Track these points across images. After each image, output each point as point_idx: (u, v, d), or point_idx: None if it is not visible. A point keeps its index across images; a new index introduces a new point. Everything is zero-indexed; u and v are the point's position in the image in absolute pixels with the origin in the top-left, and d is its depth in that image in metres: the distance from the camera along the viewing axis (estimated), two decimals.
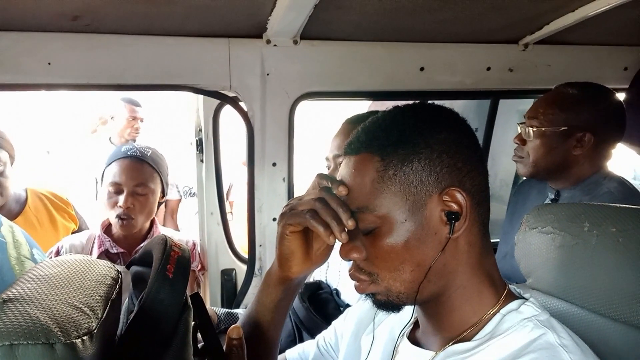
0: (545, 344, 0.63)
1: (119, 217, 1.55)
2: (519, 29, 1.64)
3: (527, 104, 2.41)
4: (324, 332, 0.98)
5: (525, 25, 1.60)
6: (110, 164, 1.59)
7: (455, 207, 0.66)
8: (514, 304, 0.70)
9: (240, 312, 1.61)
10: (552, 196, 1.51)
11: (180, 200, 2.98)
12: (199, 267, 1.83)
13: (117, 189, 1.55)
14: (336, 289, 1.42)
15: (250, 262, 1.75)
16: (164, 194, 1.67)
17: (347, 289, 1.39)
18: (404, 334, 0.79)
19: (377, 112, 0.77)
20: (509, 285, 0.74)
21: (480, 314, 0.70)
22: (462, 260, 0.69)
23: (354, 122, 1.35)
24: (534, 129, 1.42)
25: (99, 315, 0.49)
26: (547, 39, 1.68)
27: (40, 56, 1.35)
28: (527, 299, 0.71)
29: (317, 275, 1.52)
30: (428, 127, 0.68)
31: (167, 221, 3.01)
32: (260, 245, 1.73)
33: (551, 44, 1.74)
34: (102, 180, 1.61)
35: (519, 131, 1.48)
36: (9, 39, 1.32)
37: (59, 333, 0.42)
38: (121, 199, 1.54)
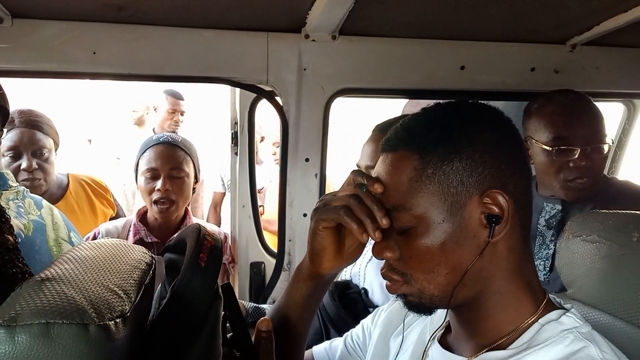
0: (586, 358, 0.60)
1: (157, 202, 1.58)
2: (566, 29, 1.58)
3: None
4: (352, 330, 0.97)
5: (574, 25, 1.54)
6: (144, 152, 1.63)
7: (496, 210, 0.64)
8: (553, 314, 0.66)
9: (268, 307, 1.61)
10: (559, 206, 1.41)
11: (224, 193, 3.02)
12: (229, 260, 1.85)
13: (154, 174, 1.59)
14: (364, 289, 1.41)
15: (280, 256, 1.75)
16: (196, 178, 1.71)
17: (375, 289, 1.37)
18: (435, 337, 0.77)
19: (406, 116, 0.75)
20: (549, 295, 0.71)
21: (517, 322, 0.67)
22: (501, 265, 0.66)
23: (383, 130, 1.31)
24: (608, 145, 1.35)
25: (133, 299, 0.49)
26: (597, 40, 1.60)
27: (86, 45, 1.39)
28: (567, 310, 0.68)
29: (344, 273, 1.51)
30: (471, 125, 0.66)
31: (210, 214, 3.03)
32: (290, 240, 1.72)
33: (600, 46, 1.67)
34: (137, 169, 1.65)
35: (605, 151, 1.34)
36: (56, 28, 1.36)
37: (93, 314, 0.43)
38: (158, 183, 1.58)
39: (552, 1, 1.30)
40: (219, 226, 2.91)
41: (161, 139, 1.64)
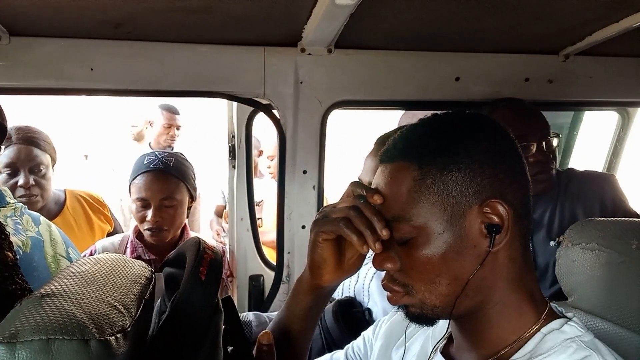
0: None
1: (149, 229, 1.56)
2: (559, 40, 1.60)
3: (566, 116, 2.34)
4: (354, 342, 0.96)
5: (567, 35, 1.56)
6: (134, 178, 1.59)
7: (496, 219, 0.64)
8: (555, 323, 0.66)
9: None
10: None
11: (225, 206, 3.03)
12: (227, 274, 1.84)
13: (145, 204, 1.55)
14: (368, 309, 1.38)
15: (278, 269, 1.75)
16: (192, 198, 1.68)
17: (378, 313, 1.34)
18: (437, 348, 0.76)
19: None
20: (551, 304, 0.70)
21: (520, 332, 0.67)
22: (502, 275, 0.66)
23: (384, 142, 1.31)
24: (557, 139, 1.47)
25: (133, 314, 0.49)
26: (590, 50, 1.62)
27: (83, 62, 1.39)
28: (569, 318, 0.67)
29: (348, 289, 1.48)
30: (469, 135, 0.66)
31: (212, 222, 3.07)
32: (289, 253, 1.72)
33: (594, 55, 1.69)
34: (130, 191, 1.62)
35: (554, 144, 1.47)
36: (54, 44, 1.37)
37: (94, 329, 0.42)
38: (149, 213, 1.54)
39: (545, 12, 1.32)
40: (223, 231, 2.95)
41: (152, 165, 1.57)
